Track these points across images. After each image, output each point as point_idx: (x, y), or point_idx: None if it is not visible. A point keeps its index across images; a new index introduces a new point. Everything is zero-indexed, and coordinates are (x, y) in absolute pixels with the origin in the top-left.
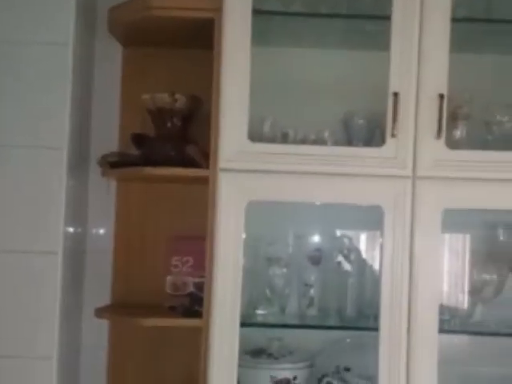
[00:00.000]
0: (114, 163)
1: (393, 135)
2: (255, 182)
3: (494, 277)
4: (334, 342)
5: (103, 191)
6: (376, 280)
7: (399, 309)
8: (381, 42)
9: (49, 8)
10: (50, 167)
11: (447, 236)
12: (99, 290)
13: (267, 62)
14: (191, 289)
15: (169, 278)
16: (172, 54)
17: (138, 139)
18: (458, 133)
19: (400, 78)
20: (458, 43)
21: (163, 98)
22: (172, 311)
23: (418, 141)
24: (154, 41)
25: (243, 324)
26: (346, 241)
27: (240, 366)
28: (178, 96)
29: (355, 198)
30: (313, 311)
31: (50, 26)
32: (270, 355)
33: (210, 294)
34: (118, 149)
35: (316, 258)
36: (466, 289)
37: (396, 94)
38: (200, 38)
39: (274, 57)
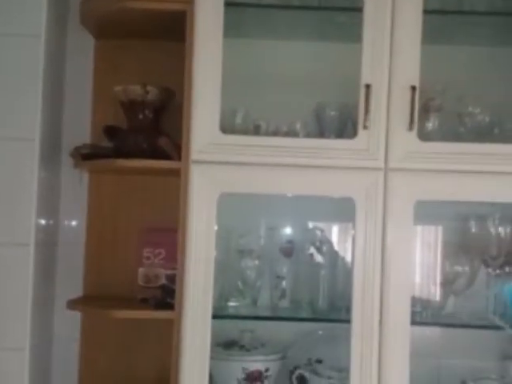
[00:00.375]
0: (86, 155)
1: (365, 127)
2: (227, 174)
3: (466, 269)
4: (305, 334)
5: (75, 183)
6: (348, 272)
7: (371, 301)
8: (353, 34)
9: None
10: (22, 159)
11: (419, 228)
12: (71, 282)
13: (239, 54)
14: (163, 281)
15: (141, 270)
16: (144, 46)
17: (110, 131)
18: (430, 125)
19: (372, 70)
20: (430, 35)
21: (135, 90)
22: (144, 303)
23: (390, 133)
24: (126, 33)
25: (215, 316)
26: (318, 233)
27: (212, 357)
28: (149, 88)
29: (327, 189)
30: (285, 303)
31: (21, 18)
32: (241, 347)
33: (181, 286)
34: (90, 141)
35: (288, 250)
36: (438, 281)
37: (368, 86)
38: (172, 30)
39: (246, 49)
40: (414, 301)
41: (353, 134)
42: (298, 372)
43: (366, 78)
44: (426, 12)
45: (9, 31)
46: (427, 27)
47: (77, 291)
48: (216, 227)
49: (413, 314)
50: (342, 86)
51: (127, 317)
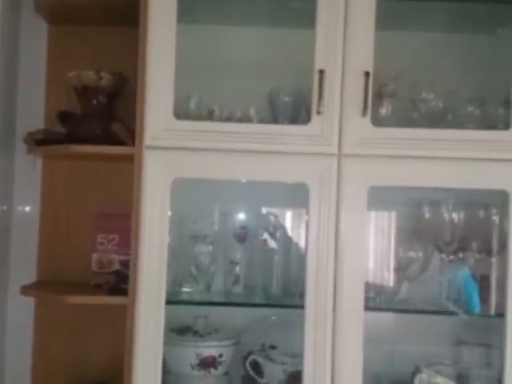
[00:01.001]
0: (39, 141)
1: (318, 113)
2: (181, 160)
3: (420, 254)
4: (259, 319)
5: (29, 169)
6: (302, 258)
7: (325, 286)
8: (306, 20)
9: None
10: None
11: (373, 214)
12: (25, 268)
13: (193, 40)
14: (117, 266)
15: (94, 256)
16: (98, 31)
17: (64, 116)
18: (384, 110)
19: (325, 56)
20: (384, 21)
21: (89, 76)
22: (98, 289)
23: (343, 118)
24: (79, 18)
25: (169, 302)
26: (271, 218)
27: (166, 343)
28: (103, 73)
29: (281, 175)
30: (238, 289)
31: None
32: (195, 333)
33: (135, 271)
34: (43, 126)
35: (242, 236)
36: (392, 266)
37: (322, 72)
38: (126, 15)
39: (199, 34)
40: (368, 286)
41: (306, 119)
42: (251, 358)
43: (319, 64)
44: None
45: None
46: (381, 13)
47: (30, 277)
48: (169, 213)
49: (366, 299)
50: (295, 72)
51: (81, 302)
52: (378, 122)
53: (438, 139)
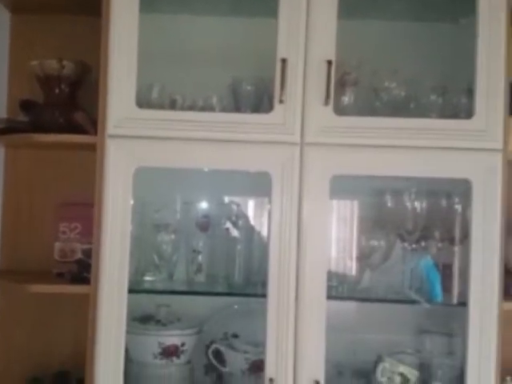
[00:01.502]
0: (2, 130)
1: (281, 101)
2: (143, 149)
3: (382, 243)
4: (222, 308)
5: None
6: (264, 246)
7: (287, 275)
8: (269, 9)
9: None
10: None
11: (335, 202)
12: None
13: (155, 29)
14: (79, 255)
15: (57, 245)
16: (61, 20)
17: (26, 105)
18: (346, 99)
19: (288, 45)
20: (346, 9)
21: (51, 65)
22: (60, 278)
23: (306, 107)
24: (42, 8)
25: (131, 290)
26: (234, 207)
27: (128, 332)
28: (65, 62)
29: (243, 164)
30: (201, 278)
31: None
32: (158, 322)
33: (97, 260)
34: (6, 115)
35: (204, 225)
36: (354, 255)
37: (284, 61)
38: (89, 4)
39: (162, 24)
40: (330, 275)
41: (269, 108)
42: (214, 346)
43: (281, 53)
44: None
45: None
46: (343, 2)
47: None
48: (132, 202)
49: (329, 288)
50: (257, 61)
51: (43, 291)
52: (340, 110)
53: (401, 128)
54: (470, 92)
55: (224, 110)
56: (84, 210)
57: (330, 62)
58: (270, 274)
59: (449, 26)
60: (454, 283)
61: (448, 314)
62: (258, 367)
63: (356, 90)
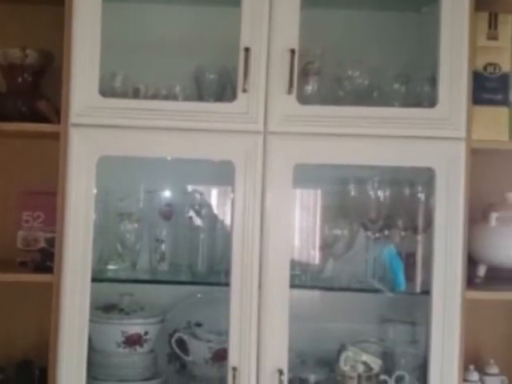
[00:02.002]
0: None
1: (244, 90)
2: (106, 137)
3: (345, 232)
4: (185, 297)
5: None
6: (227, 235)
7: (250, 264)
8: None
9: None
10: None
11: (298, 191)
12: None
13: (119, 18)
14: (42, 244)
15: (20, 234)
16: (24, 9)
17: None
18: (310, 88)
19: (251, 34)
20: None
21: (14, 54)
22: (23, 266)
23: (269, 96)
24: None
25: (94, 279)
26: (197, 196)
27: (91, 321)
28: (28, 51)
29: (206, 153)
30: (164, 266)
31: None
32: (121, 310)
33: (61, 249)
34: None
35: (167, 213)
36: (318, 244)
37: (247, 50)
38: None
39: (125, 12)
40: (293, 264)
41: (232, 97)
42: (177, 335)
43: (245, 42)
44: None
45: None
46: None
47: None
48: (95, 190)
49: (292, 277)
50: (221, 50)
51: (6, 280)
52: (303, 99)
53: (364, 117)
54: (434, 81)
55: (187, 98)
56: (47, 198)
57: (293, 51)
58: (234, 263)
59: (412, 15)
60: (417, 272)
61: (411, 303)
62: (221, 356)
63: (319, 78)
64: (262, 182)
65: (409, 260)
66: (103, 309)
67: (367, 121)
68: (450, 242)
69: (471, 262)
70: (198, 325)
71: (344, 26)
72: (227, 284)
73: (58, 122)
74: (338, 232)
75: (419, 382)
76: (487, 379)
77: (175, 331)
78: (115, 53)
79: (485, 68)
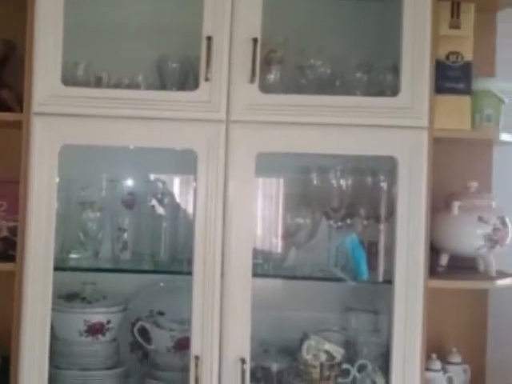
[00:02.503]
0: None
1: (206, 79)
2: (69, 126)
3: (308, 221)
4: (147, 286)
5: None
6: (190, 224)
7: (213, 253)
8: None
9: None
10: None
11: (261, 180)
12: None
13: (81, 6)
14: (5, 233)
15: None
16: None
17: None
18: (272, 77)
19: (213, 22)
20: None
21: None
22: None
23: (231, 85)
24: None
25: (57, 268)
26: (159, 185)
27: (53, 310)
28: None
29: (169, 142)
30: (126, 255)
31: None
32: (83, 299)
33: (23, 238)
34: None
35: (130, 202)
36: (280, 233)
37: (210, 38)
38: None
39: (88, 1)
40: (256, 253)
41: (194, 86)
42: (139, 324)
43: (207, 31)
44: None
45: None
46: None
47: None
48: (58, 179)
49: (254, 266)
50: (183, 39)
51: None
52: (265, 88)
53: (326, 105)
54: (396, 69)
55: (149, 87)
56: (9, 187)
57: (255, 40)
58: (196, 252)
59: (374, 4)
60: (380, 261)
61: (373, 292)
62: (183, 345)
63: (281, 67)
64: (225, 171)
65: (371, 249)
66: (65, 297)
67: (329, 109)
68: (413, 230)
69: (433, 250)
70: (161, 313)
71: (306, 14)
72: (189, 273)
73: (21, 110)
74: (300, 221)
75: (381, 370)
76: (450, 368)
77: (137, 320)
78: (77, 42)
79: (447, 57)
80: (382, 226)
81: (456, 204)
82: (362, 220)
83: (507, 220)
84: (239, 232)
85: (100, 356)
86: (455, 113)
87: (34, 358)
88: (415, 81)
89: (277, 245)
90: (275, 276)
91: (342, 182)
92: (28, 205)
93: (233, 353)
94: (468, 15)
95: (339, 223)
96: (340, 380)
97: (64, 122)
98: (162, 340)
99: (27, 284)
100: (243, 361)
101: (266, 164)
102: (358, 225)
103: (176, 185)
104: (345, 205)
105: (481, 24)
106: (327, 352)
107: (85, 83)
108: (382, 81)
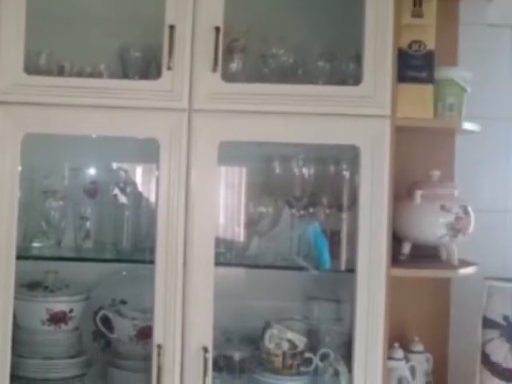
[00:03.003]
0: None
1: (169, 68)
2: (31, 115)
3: (270, 210)
4: (110, 275)
5: None
6: (152, 213)
7: (175, 242)
8: None
9: None
10: None
11: (223, 169)
12: None
13: None
14: None
15: None
16: None
17: None
18: (235, 66)
19: (176, 11)
20: None
21: None
22: None
23: (194, 74)
24: None
25: (19, 257)
26: (122, 174)
27: (16, 298)
28: None
29: (131, 130)
30: (89, 244)
31: None
32: (45, 288)
33: None
34: None
35: (92, 191)
36: (242, 222)
37: (172, 27)
38: None
39: None
40: (218, 242)
41: (157, 75)
42: (102, 313)
43: (170, 19)
44: None
45: None
46: None
47: None
48: (20, 168)
49: (217, 254)
50: (146, 27)
51: None
52: (228, 77)
53: (289, 94)
54: (358, 58)
55: (112, 76)
56: None
57: (218, 29)
58: (158, 241)
59: None
60: (342, 250)
61: (336, 281)
62: (145, 333)
63: (244, 56)
64: (187, 160)
65: (334, 238)
66: (28, 286)
67: (292, 98)
68: (375, 219)
69: (396, 239)
70: (123, 302)
71: (269, 3)
72: (152, 262)
73: None
74: (262, 209)
75: (344, 359)
76: (412, 357)
77: (100, 309)
78: (40, 30)
79: (409, 46)
80: (345, 215)
81: (418, 193)
82: (325, 209)
83: (469, 209)
84: (201, 221)
85: (62, 345)
86: (417, 102)
87: None
88: (377, 70)
89: (239, 234)
90: (237, 265)
91: (305, 170)
92: None
93: (195, 342)
94: (430, 4)
95: (301, 212)
96: (302, 369)
97: (27, 110)
98: (124, 329)
99: None
100: (206, 350)
101: (229, 153)
102: (320, 213)
103: (138, 174)
104: (307, 194)
105: (443, 13)
106: (289, 341)
107: (47, 72)
108: (345, 70)
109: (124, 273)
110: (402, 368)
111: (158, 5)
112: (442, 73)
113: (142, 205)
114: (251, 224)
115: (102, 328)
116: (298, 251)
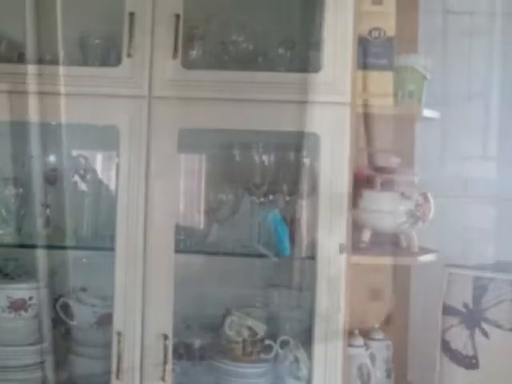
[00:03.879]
0: None
1: (129, 55)
2: None
3: (230, 197)
4: (70, 262)
5: None
6: (112, 200)
7: (135, 229)
8: None
9: None
10: None
11: (183, 156)
12: None
13: None
14: None
15: None
16: None
17: None
18: (195, 53)
19: None
20: None
21: None
22: None
23: (154, 61)
24: None
25: None
26: (82, 161)
27: None
28: None
29: (91, 117)
30: (49, 231)
31: None
32: (5, 275)
33: None
34: None
35: (52, 178)
36: (202, 209)
37: (132, 14)
38: None
39: None
40: (178, 229)
41: (117, 62)
42: (62, 300)
43: (130, 6)
44: None
45: None
46: None
47: None
48: None
49: (177, 242)
50: (106, 14)
51: None
52: (188, 64)
53: (249, 81)
54: (318, 46)
55: (72, 63)
56: None
57: (178, 16)
58: (118, 228)
59: None
60: (303, 237)
61: (296, 268)
62: (105, 321)
63: (204, 43)
64: (147, 147)
65: (294, 225)
66: None
67: (252, 85)
68: (335, 206)
69: (356, 226)
70: (83, 290)
71: None
72: (112, 249)
73: None
74: (222, 197)
75: (304, 346)
76: (372, 344)
77: (60, 296)
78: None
79: (369, 33)
80: (305, 202)
81: (378, 180)
82: (285, 196)
83: (429, 196)
84: (161, 208)
85: (22, 332)
86: (377, 89)
87: None
88: (338, 57)
89: (199, 221)
90: (197, 252)
91: (265, 157)
92: None
93: (155, 329)
94: None
95: (262, 199)
96: (262, 356)
97: None
98: (84, 316)
99: None
100: (166, 337)
101: (189, 140)
102: (280, 201)
103: (98, 161)
104: (267, 181)
105: (403, 0)
106: (250, 328)
107: (7, 59)
108: (305, 57)
109: (84, 260)
110: (362, 355)
111: None
112: (402, 60)
113: (102, 192)
114: (211, 211)
115: (62, 315)
116: (258, 238)
